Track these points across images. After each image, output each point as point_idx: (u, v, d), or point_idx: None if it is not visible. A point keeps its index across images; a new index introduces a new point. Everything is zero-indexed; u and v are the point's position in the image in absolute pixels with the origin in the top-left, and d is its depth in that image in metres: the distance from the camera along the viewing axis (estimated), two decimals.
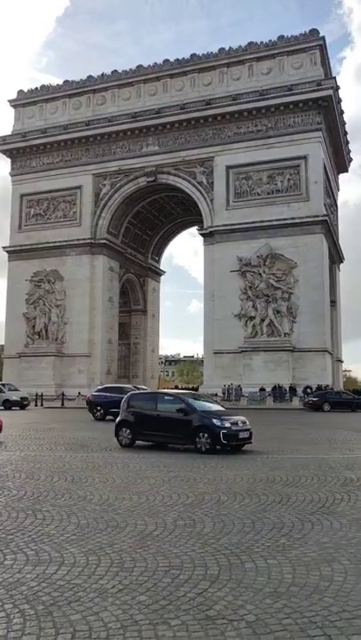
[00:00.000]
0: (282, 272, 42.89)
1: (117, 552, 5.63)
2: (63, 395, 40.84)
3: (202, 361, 57.19)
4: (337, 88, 45.77)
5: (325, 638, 3.73)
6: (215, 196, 46.02)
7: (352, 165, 62.10)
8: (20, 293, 51.01)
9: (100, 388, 30.11)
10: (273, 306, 42.61)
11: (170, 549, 5.72)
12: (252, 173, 44.88)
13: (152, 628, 3.89)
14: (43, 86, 54.55)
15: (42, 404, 39.07)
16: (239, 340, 43.07)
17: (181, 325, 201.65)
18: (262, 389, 39.86)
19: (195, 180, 47.16)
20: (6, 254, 53.42)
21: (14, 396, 34.73)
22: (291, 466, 11.24)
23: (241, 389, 40.84)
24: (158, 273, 64.58)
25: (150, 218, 57.41)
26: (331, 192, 51.02)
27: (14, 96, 54.83)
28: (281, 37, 45.46)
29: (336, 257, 52.88)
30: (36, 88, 54.59)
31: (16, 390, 36.64)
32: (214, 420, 13.17)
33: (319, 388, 38.79)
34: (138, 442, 14.66)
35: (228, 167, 45.66)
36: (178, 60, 48.98)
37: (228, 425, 13.17)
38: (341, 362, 57.38)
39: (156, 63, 49.91)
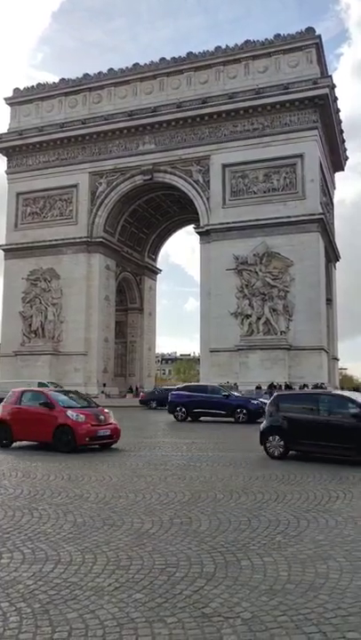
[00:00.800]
0: (278, 270, 42.88)
1: (114, 550, 5.64)
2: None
3: (198, 359, 57.18)
4: (333, 86, 45.70)
5: (321, 635, 3.75)
6: (211, 194, 45.97)
7: (349, 163, 62.19)
8: (17, 292, 50.83)
9: (179, 386, 28.36)
10: (269, 304, 42.60)
11: (166, 547, 5.73)
12: (248, 172, 44.83)
13: (148, 625, 3.91)
14: (39, 84, 54.39)
15: None
16: (235, 338, 43.06)
17: (178, 324, 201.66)
18: (258, 387, 39.86)
19: (191, 178, 47.10)
20: (2, 252, 53.26)
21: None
22: None
23: (237, 387, 40.83)
24: (155, 271, 64.51)
25: (147, 216, 57.33)
26: (327, 190, 51.05)
27: (10, 94, 54.72)
28: (277, 36, 45.35)
29: (332, 255, 52.92)
30: (33, 86, 54.41)
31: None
32: None
33: (315, 386, 38.84)
34: (291, 452, 12.47)
35: (225, 165, 45.58)
36: (174, 58, 48.81)
37: None
38: (338, 360, 57.48)
39: (152, 61, 49.74)
